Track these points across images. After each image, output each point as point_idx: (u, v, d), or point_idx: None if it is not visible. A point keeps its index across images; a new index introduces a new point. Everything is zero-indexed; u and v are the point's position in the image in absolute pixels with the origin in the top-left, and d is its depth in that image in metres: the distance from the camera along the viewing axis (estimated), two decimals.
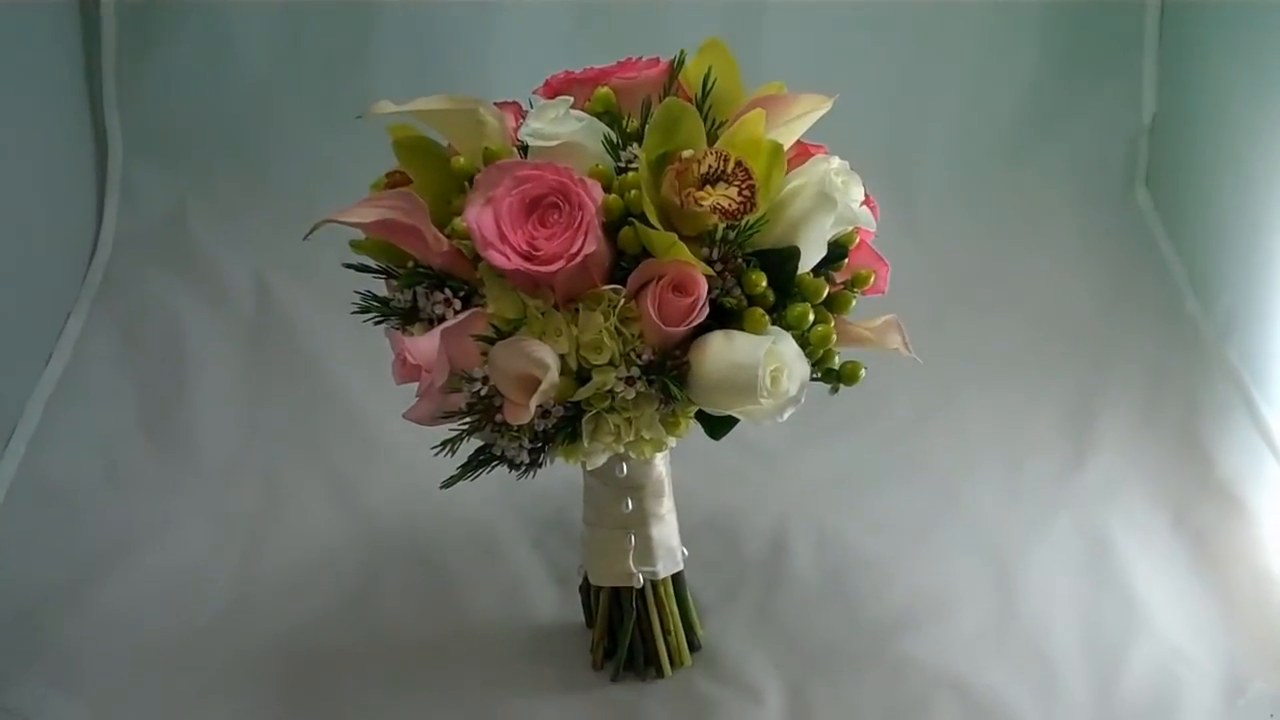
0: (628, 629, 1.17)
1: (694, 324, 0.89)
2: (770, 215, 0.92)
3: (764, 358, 0.87)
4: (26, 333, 1.62)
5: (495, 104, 1.06)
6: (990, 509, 1.47)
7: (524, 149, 0.95)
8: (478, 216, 0.89)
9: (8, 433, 1.51)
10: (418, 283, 0.96)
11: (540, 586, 1.35)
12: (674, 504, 1.15)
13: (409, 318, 0.97)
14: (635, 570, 1.12)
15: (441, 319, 0.95)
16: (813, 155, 1.00)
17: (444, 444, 0.92)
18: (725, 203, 0.88)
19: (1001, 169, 1.95)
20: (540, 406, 0.90)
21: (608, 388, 0.90)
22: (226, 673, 1.24)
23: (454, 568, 1.36)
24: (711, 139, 0.97)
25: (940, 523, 1.45)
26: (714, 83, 0.99)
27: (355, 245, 0.99)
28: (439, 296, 0.95)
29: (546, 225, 0.89)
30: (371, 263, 1.00)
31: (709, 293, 0.90)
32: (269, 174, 1.90)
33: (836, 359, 0.96)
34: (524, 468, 0.94)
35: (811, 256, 0.93)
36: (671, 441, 0.95)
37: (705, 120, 0.98)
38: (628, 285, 0.91)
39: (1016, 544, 1.41)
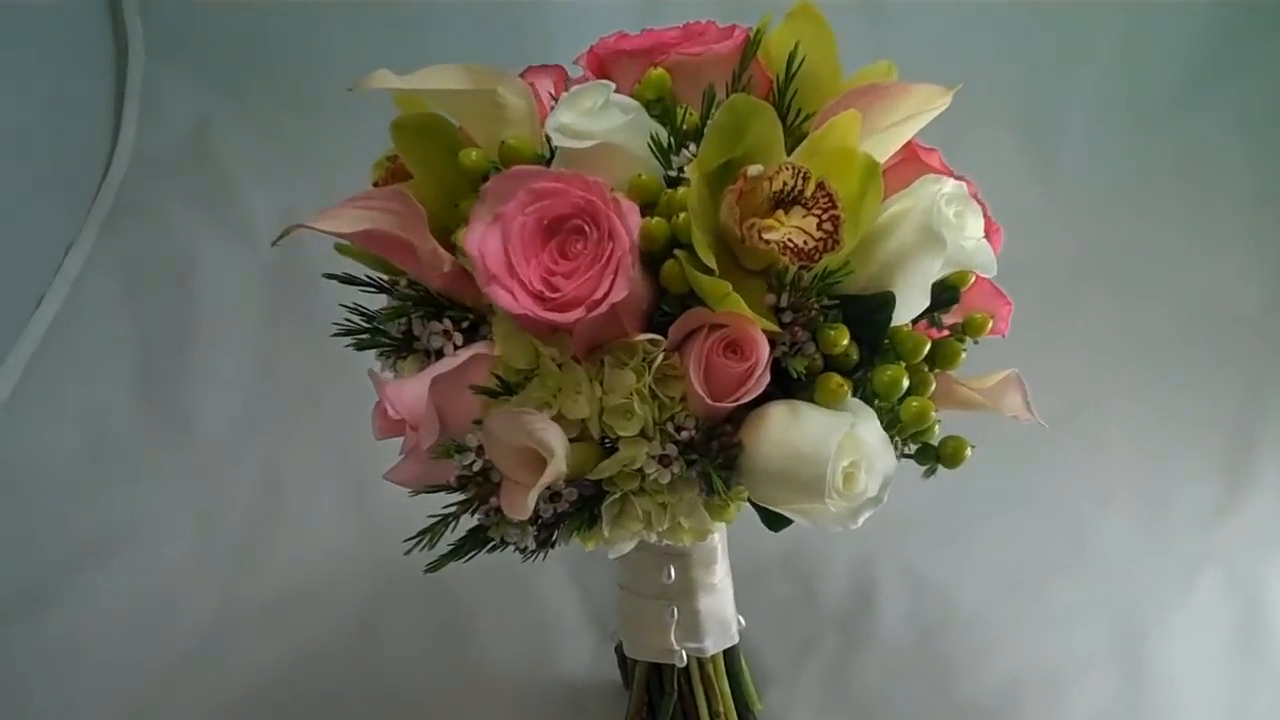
0: (668, 709, 1.05)
1: (748, 398, 0.74)
2: (858, 253, 0.77)
3: (836, 449, 0.72)
4: (16, 269, 1.53)
5: (531, 70, 0.92)
6: (1121, 555, 1.32)
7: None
8: (482, 239, 0.75)
9: None
10: (408, 312, 0.82)
11: (572, 631, 1.24)
12: (729, 566, 1.01)
13: (401, 348, 0.84)
14: (678, 647, 0.99)
15: (440, 354, 0.82)
16: (922, 162, 0.84)
17: (423, 533, 0.79)
18: (799, 238, 0.73)
19: (1159, 128, 1.75)
20: (549, 489, 0.76)
21: (636, 465, 0.77)
22: None
23: (470, 602, 1.25)
24: (792, 137, 0.82)
25: (1060, 571, 1.30)
26: (801, 62, 0.84)
27: (341, 249, 0.86)
28: (436, 327, 0.82)
29: (568, 256, 0.75)
30: (362, 272, 0.86)
31: (773, 352, 0.75)
32: (304, 87, 1.77)
33: (935, 432, 0.81)
34: (531, 553, 0.81)
35: (910, 305, 0.79)
36: (719, 528, 0.81)
37: (787, 112, 0.83)
38: (669, 335, 0.77)
39: (1151, 603, 1.26)
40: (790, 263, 0.73)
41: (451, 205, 0.83)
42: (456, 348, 0.82)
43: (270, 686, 1.17)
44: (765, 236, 0.73)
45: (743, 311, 0.73)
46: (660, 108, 0.82)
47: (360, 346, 0.84)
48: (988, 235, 0.83)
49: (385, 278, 0.87)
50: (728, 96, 0.80)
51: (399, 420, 0.78)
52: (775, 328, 0.75)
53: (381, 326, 0.84)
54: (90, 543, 1.30)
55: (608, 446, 0.79)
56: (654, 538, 0.81)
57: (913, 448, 0.84)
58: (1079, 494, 1.38)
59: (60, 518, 1.33)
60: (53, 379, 1.47)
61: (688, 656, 1.01)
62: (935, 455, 0.83)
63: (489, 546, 0.80)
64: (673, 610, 0.98)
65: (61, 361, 1.48)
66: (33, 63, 1.57)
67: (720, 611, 1.01)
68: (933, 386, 0.81)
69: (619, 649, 1.12)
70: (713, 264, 0.74)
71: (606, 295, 0.72)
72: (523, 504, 0.73)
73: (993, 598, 1.26)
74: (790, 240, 0.73)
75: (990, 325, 0.85)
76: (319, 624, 1.21)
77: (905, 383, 0.78)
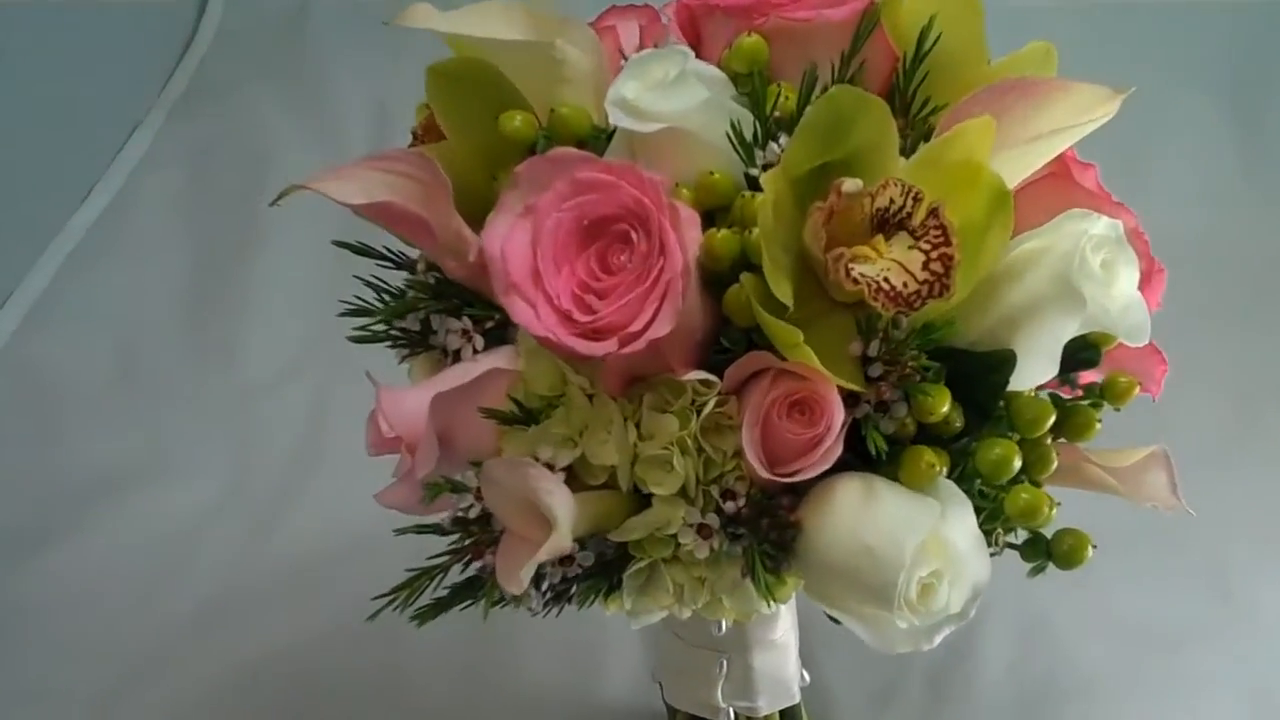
0: None
1: (808, 475, 0.62)
2: (974, 300, 0.64)
3: (915, 553, 0.59)
4: (71, 149, 1.44)
5: (613, 11, 0.79)
6: (1273, 619, 1.16)
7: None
8: (507, 235, 0.63)
9: (2, 295, 1.34)
10: (420, 304, 0.70)
11: (617, 651, 1.13)
12: (796, 621, 0.89)
13: (415, 343, 0.73)
14: (725, 705, 0.88)
15: (458, 356, 0.70)
16: (1071, 182, 0.70)
17: (399, 589, 0.68)
18: (897, 278, 0.60)
19: None
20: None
21: (670, 531, 0.65)
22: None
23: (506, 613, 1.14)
24: (915, 131, 0.69)
25: (1198, 630, 1.15)
26: (937, 39, 0.70)
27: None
28: (455, 325, 0.70)
29: (609, 269, 0.63)
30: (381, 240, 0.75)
31: (852, 411, 0.63)
32: None
33: (1051, 520, 0.68)
34: (540, 612, 0.70)
35: (1033, 370, 0.65)
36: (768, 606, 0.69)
37: (912, 100, 0.70)
38: (726, 378, 0.65)
39: None
40: (883, 308, 0.59)
41: (489, 177, 0.71)
42: (476, 352, 0.70)
43: (281, 658, 1.10)
44: (855, 271, 0.60)
45: (816, 367, 0.60)
46: (749, 85, 0.69)
47: (362, 339, 0.73)
48: (1146, 283, 0.69)
49: (406, 252, 0.75)
50: (834, 80, 0.67)
51: (394, 438, 0.67)
52: (858, 386, 0.62)
53: (393, 316, 0.72)
54: (110, 474, 1.25)
55: (641, 498, 0.67)
56: (688, 613, 0.69)
57: (1018, 536, 0.70)
58: (1230, 540, 1.22)
59: (81, 443, 1.27)
60: (89, 283, 1.40)
61: (736, 715, 0.89)
62: (1046, 551, 0.69)
63: (489, 603, 0.68)
64: (722, 663, 0.87)
65: (102, 263, 1.41)
66: None
67: (778, 669, 0.89)
68: (1052, 467, 0.68)
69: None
70: (787, 296, 0.61)
71: (645, 329, 0.60)
72: (516, 576, 0.61)
73: (1115, 656, 1.13)
74: (886, 280, 0.60)
75: (1136, 391, 0.70)
76: (342, 597, 1.11)
77: (1017, 463, 0.64)
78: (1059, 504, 0.69)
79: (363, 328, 0.73)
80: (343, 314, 0.74)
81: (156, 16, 1.59)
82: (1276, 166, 1.51)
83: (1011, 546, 0.71)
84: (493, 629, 1.10)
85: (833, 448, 0.62)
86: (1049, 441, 0.68)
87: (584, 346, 0.61)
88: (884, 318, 0.62)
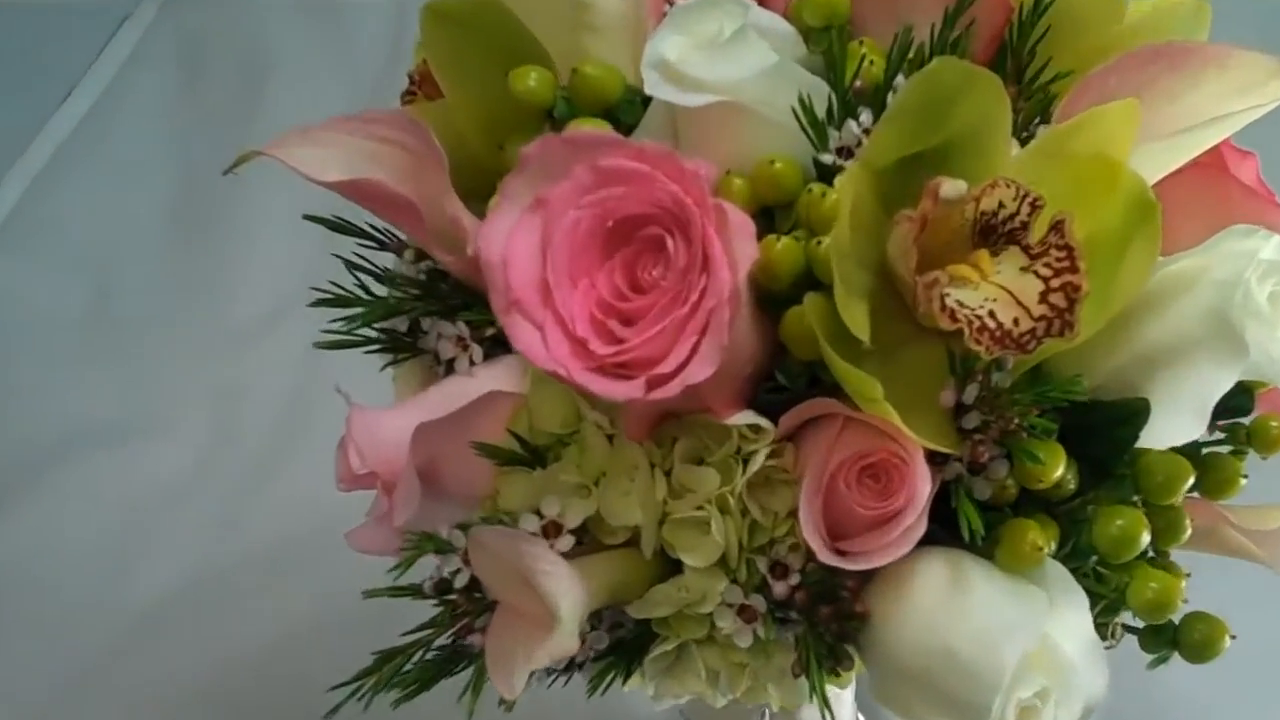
0: None
1: (884, 561, 0.50)
2: (1104, 333, 0.51)
3: (1014, 664, 0.48)
4: (54, 45, 1.32)
5: None
6: None
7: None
8: (511, 235, 0.51)
9: None
10: (405, 306, 0.59)
11: None
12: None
13: (400, 347, 0.61)
14: None
15: (450, 368, 0.58)
16: (1226, 176, 0.57)
17: (367, 673, 0.56)
18: (1006, 313, 0.48)
19: None
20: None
21: (704, 610, 0.53)
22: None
23: None
24: (1031, 103, 0.56)
25: None
26: None
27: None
28: (449, 330, 0.58)
29: (639, 286, 0.51)
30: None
31: (939, 473, 0.51)
32: None
33: (1180, 609, 0.56)
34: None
35: (1172, 426, 0.53)
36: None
37: (1030, 66, 0.58)
38: (782, 424, 0.53)
39: None
40: (987, 351, 0.47)
41: (495, 147, 0.59)
42: (473, 364, 0.58)
43: (261, 652, 0.99)
44: (950, 301, 0.47)
45: (898, 425, 0.48)
46: (825, 43, 0.56)
47: (333, 345, 0.61)
48: None
49: (394, 232, 0.63)
50: (932, 43, 0.54)
51: (368, 474, 0.56)
52: (949, 447, 0.50)
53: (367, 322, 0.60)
54: (77, 429, 1.15)
55: (670, 561, 0.55)
56: (722, 701, 0.57)
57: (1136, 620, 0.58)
58: None
59: (42, 392, 1.17)
60: (62, 201, 1.28)
61: None
62: (1172, 640, 0.57)
63: (479, 687, 0.57)
64: (764, 711, 0.75)
65: (78, 178, 1.30)
66: None
67: None
68: (1185, 536, 0.56)
69: None
70: (862, 329, 0.49)
71: (679, 370, 0.48)
72: (509, 679, 0.50)
73: (1217, 684, 1.00)
74: (991, 316, 0.48)
75: None
76: (330, 582, 1.01)
77: (1145, 539, 0.52)
78: (1188, 576, 0.57)
79: (338, 328, 0.61)
80: (314, 304, 0.62)
81: None
82: None
83: (1129, 630, 0.59)
84: None
85: (914, 527, 0.50)
86: (1181, 503, 0.56)
87: (602, 386, 0.49)
88: (985, 359, 0.49)
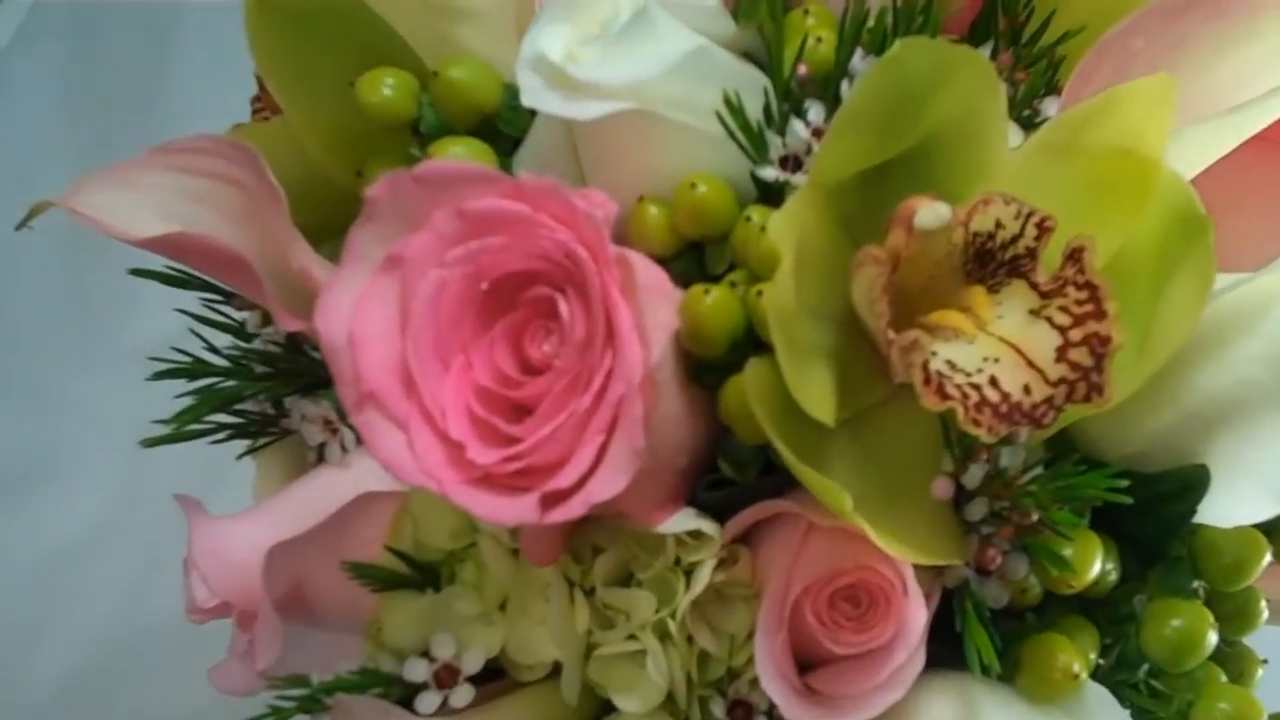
0: None
1: (872, 713, 0.40)
2: (1146, 390, 0.40)
3: None
4: None
5: None
6: None
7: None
8: (359, 307, 0.40)
9: None
10: (250, 389, 0.49)
11: None
12: None
13: (258, 431, 0.51)
14: None
15: (321, 455, 0.48)
16: None
17: None
18: (1014, 382, 0.38)
19: None
20: None
21: None
22: None
23: None
24: (1029, 81, 0.46)
25: None
26: None
27: None
28: (312, 411, 0.48)
29: (530, 366, 0.41)
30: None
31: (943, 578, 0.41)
32: None
33: None
34: None
35: (1240, 500, 0.42)
36: None
37: (1028, 25, 0.48)
38: (730, 529, 0.42)
39: None
40: (989, 433, 0.36)
41: (352, 171, 0.48)
42: (345, 451, 0.48)
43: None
44: (934, 367, 0.37)
45: (878, 542, 0.37)
46: (759, 15, 0.44)
47: (168, 439, 0.51)
48: None
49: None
50: (895, 15, 0.43)
51: (219, 604, 0.46)
52: (947, 557, 0.39)
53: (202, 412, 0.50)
54: None
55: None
56: None
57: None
58: None
59: None
60: None
61: None
62: None
63: None
64: None
65: None
66: None
67: None
68: (1262, 620, 0.46)
69: None
70: (823, 408, 0.38)
71: (581, 484, 0.38)
72: None
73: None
74: (994, 385, 0.37)
75: None
76: None
77: (1211, 640, 0.42)
78: (1265, 663, 0.47)
79: (182, 416, 0.51)
80: (154, 376, 0.52)
81: None
82: None
83: None
84: None
85: (906, 666, 0.39)
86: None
87: (486, 505, 0.39)
88: (986, 438, 0.39)
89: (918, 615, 0.39)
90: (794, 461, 0.38)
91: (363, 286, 0.41)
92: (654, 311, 0.39)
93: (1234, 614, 0.46)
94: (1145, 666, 0.45)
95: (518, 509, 0.39)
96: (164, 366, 0.54)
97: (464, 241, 0.40)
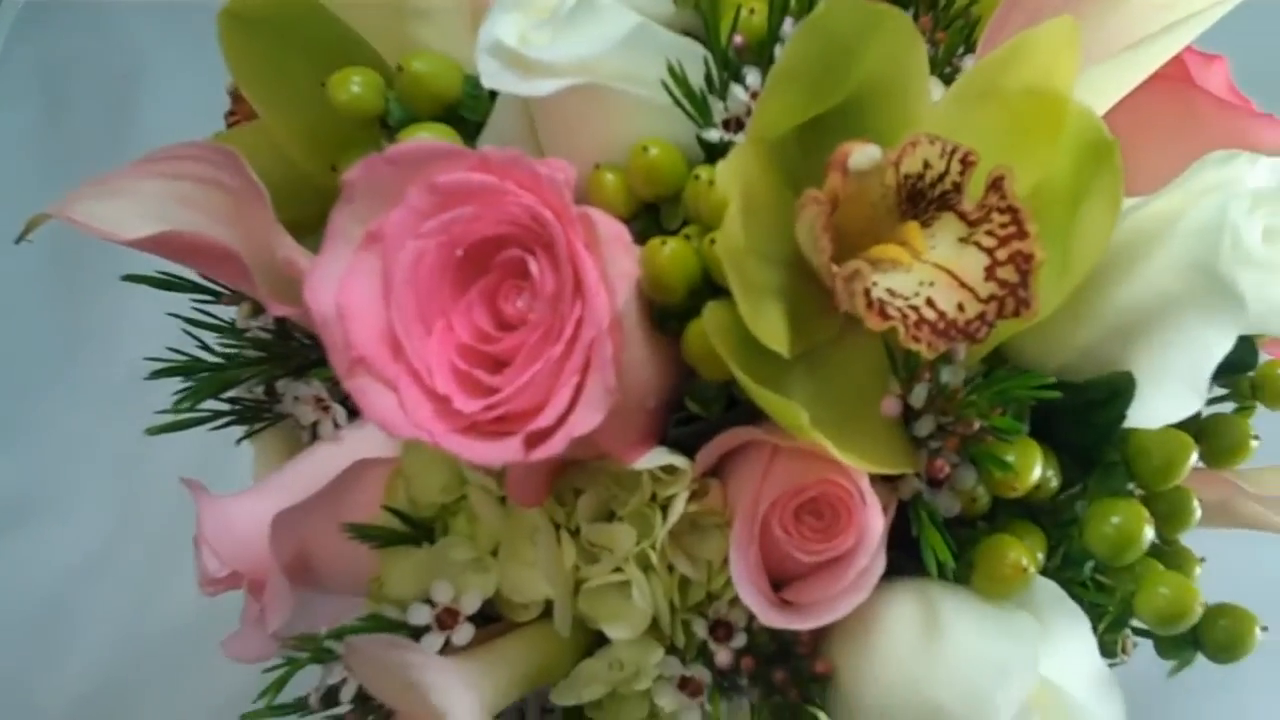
0: None
1: (837, 614, 0.42)
2: (1068, 306, 0.43)
3: (1010, 716, 0.40)
4: None
5: None
6: None
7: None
8: (344, 282, 0.43)
9: None
10: (246, 374, 0.51)
11: None
12: None
13: (258, 415, 0.53)
14: None
15: (314, 433, 0.51)
16: (1193, 89, 0.50)
17: None
18: (949, 301, 0.41)
19: None
20: None
21: (639, 686, 0.45)
22: None
23: None
24: (952, 38, 0.49)
25: None
26: None
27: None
28: (304, 392, 0.50)
29: (505, 322, 0.43)
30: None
31: (895, 492, 0.44)
32: None
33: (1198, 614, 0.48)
34: None
35: (1165, 401, 0.45)
36: None
37: (937, 5, 0.51)
38: (700, 461, 0.44)
39: None
40: (929, 348, 0.39)
41: (329, 168, 0.50)
42: (338, 426, 0.50)
43: None
44: (876, 293, 0.39)
45: (833, 455, 0.40)
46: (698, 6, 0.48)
47: (171, 426, 0.53)
48: None
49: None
50: None
51: (230, 574, 0.48)
52: (904, 467, 0.42)
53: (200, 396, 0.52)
54: None
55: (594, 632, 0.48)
56: None
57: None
58: None
59: None
60: None
61: None
62: (1193, 641, 0.49)
63: None
64: None
65: None
66: None
67: None
68: (1195, 518, 0.48)
69: None
70: (777, 338, 0.41)
71: (561, 421, 0.40)
72: None
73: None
74: (930, 305, 0.40)
75: None
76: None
77: (1147, 534, 0.44)
78: (1203, 560, 0.50)
79: (178, 406, 0.53)
80: (151, 376, 0.54)
81: None
82: None
83: (1140, 633, 0.51)
84: None
85: (869, 569, 0.42)
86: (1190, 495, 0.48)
87: (475, 450, 0.41)
88: (926, 359, 0.41)
89: (876, 522, 0.42)
90: (753, 386, 0.41)
91: (346, 263, 0.43)
92: (617, 262, 0.42)
93: (1169, 513, 0.48)
94: (1090, 564, 0.48)
95: (504, 450, 0.41)
96: (160, 365, 0.56)
97: (437, 213, 0.42)
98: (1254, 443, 0.50)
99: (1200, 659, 0.52)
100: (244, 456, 0.99)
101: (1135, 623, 0.50)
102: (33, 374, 1.13)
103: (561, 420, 0.40)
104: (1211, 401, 0.51)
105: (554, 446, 0.40)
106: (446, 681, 0.42)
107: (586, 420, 0.40)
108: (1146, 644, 0.53)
